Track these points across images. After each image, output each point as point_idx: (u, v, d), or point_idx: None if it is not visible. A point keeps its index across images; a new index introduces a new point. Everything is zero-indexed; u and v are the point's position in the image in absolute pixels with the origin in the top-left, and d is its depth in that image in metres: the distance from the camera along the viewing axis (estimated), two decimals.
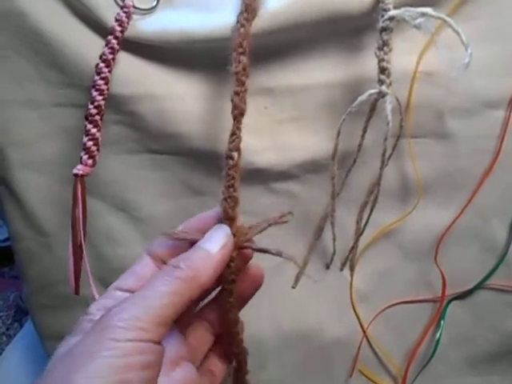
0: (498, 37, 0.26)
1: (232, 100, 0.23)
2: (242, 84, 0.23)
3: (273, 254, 0.23)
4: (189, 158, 0.30)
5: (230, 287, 0.23)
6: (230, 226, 0.23)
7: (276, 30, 0.25)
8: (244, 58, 0.23)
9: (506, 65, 0.26)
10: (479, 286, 0.32)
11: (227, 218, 0.23)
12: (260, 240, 0.29)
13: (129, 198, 0.31)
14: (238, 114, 0.23)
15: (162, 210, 0.31)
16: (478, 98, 0.27)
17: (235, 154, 0.23)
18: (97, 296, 0.26)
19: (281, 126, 0.29)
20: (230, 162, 0.22)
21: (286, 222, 0.25)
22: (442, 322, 0.33)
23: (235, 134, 0.23)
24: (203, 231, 0.23)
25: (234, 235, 0.23)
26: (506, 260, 0.31)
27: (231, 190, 0.23)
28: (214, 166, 0.30)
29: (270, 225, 0.24)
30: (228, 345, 0.25)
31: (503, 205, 0.30)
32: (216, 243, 0.22)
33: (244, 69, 0.23)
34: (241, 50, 0.23)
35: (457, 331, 0.33)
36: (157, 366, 0.19)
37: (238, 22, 0.24)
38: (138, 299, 0.19)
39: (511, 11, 0.26)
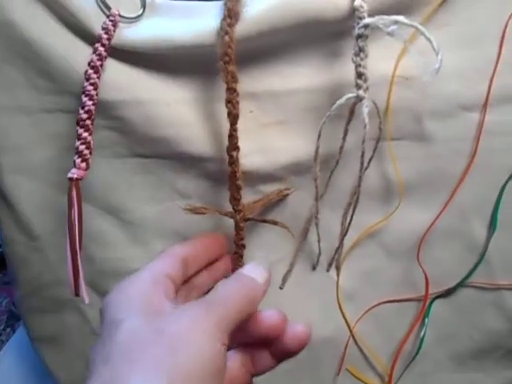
0: (471, 43, 0.27)
1: (226, 107, 0.26)
2: (233, 91, 0.25)
3: (273, 223, 0.30)
4: (175, 161, 0.30)
5: (240, 252, 0.30)
6: (237, 204, 0.28)
7: (255, 36, 0.25)
8: (231, 67, 0.25)
9: (480, 69, 0.27)
10: (461, 285, 0.32)
11: (235, 199, 0.28)
12: (248, 238, 0.30)
13: (117, 201, 0.32)
14: (233, 119, 0.26)
15: (149, 212, 0.32)
16: (454, 101, 0.28)
17: (234, 153, 0.27)
18: (87, 300, 0.26)
19: (266, 129, 0.30)
20: (231, 159, 0.27)
21: (286, 195, 0.31)
22: (426, 320, 0.33)
23: (232, 135, 0.27)
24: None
25: (241, 210, 0.28)
26: (485, 258, 0.31)
27: (234, 179, 0.27)
28: (200, 170, 0.30)
29: (270, 200, 0.30)
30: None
31: (482, 204, 0.30)
32: (261, 275, 0.25)
33: (232, 76, 0.25)
34: (227, 58, 0.25)
35: (441, 329, 0.34)
36: None
37: (221, 28, 0.25)
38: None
39: (483, 18, 0.26)
